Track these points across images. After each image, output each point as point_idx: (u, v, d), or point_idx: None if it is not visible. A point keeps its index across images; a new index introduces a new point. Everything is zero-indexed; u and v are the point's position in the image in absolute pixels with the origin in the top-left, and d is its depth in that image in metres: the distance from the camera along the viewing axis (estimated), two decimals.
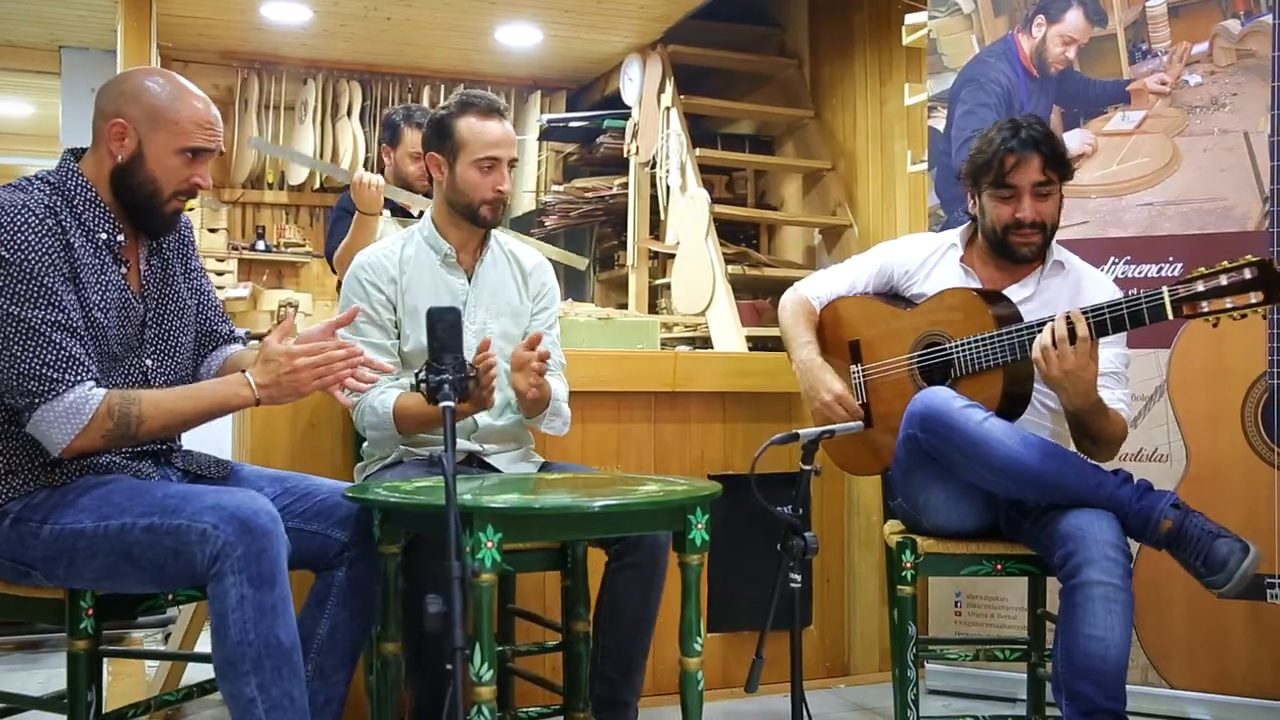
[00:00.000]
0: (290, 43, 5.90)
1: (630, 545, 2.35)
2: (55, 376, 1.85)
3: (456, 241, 2.52)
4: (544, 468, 2.57)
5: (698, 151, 5.44)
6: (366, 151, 6.21)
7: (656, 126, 5.62)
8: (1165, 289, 2.12)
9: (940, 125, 3.24)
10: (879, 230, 5.29)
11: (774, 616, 2.11)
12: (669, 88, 5.59)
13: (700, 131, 5.74)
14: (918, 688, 2.42)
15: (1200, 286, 2.09)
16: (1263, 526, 2.78)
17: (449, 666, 1.55)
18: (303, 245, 6.41)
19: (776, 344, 5.05)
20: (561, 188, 6.24)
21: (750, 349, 4.83)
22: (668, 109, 5.58)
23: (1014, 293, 2.49)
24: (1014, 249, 2.46)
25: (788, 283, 5.54)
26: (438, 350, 1.80)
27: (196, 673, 3.18)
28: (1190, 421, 2.88)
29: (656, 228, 5.84)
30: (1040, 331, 2.24)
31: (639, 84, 5.78)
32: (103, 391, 1.90)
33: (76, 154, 2.04)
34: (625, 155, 5.88)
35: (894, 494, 2.54)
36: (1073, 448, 2.41)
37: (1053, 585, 2.72)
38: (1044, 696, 2.75)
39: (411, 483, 2.09)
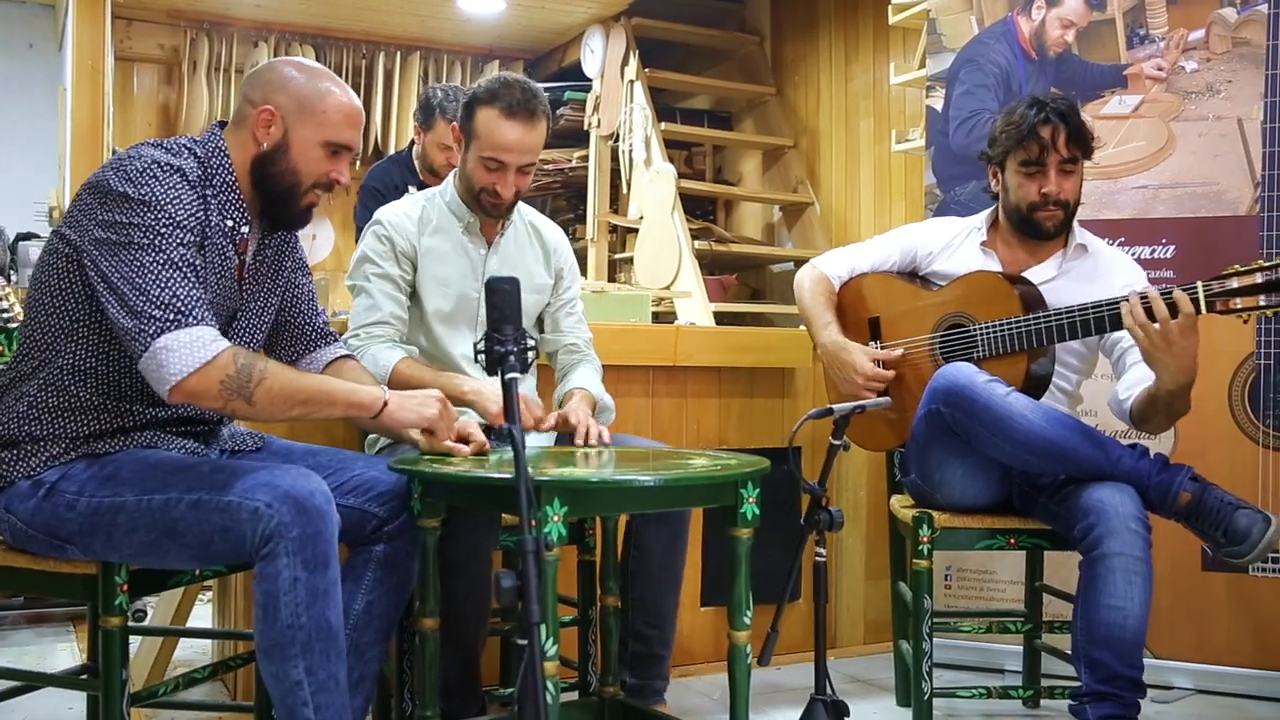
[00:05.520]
0: (241, 3, 5.71)
1: None
2: (184, 309, 1.78)
3: (476, 213, 2.48)
4: (560, 439, 2.55)
5: (662, 125, 5.42)
6: None
7: (619, 99, 5.58)
8: (1200, 284, 2.16)
9: (938, 105, 3.27)
10: (841, 208, 5.33)
11: (775, 590, 2.14)
12: (633, 60, 5.55)
13: (658, 105, 5.71)
14: (931, 659, 2.46)
15: (1235, 284, 2.13)
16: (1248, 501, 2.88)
17: (521, 641, 1.54)
18: None
19: (735, 319, 5.12)
20: None
21: (716, 325, 4.83)
22: (631, 82, 5.54)
23: (1036, 274, 2.53)
24: (1038, 224, 2.50)
25: (751, 259, 5.68)
26: (497, 321, 1.76)
27: (186, 650, 3.13)
28: None
29: (615, 201, 5.81)
30: (1092, 314, 2.28)
31: (601, 56, 5.73)
32: (227, 341, 1.83)
33: (224, 125, 2.00)
34: (586, 128, 5.83)
35: (907, 470, 2.57)
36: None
37: (1050, 559, 2.80)
38: (1039, 667, 2.82)
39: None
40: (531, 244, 2.57)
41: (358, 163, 6.32)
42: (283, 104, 1.96)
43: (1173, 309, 2.17)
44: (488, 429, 2.09)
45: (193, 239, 1.85)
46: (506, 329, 1.75)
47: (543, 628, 1.69)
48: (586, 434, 2.26)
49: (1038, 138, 2.44)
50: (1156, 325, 2.18)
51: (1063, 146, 2.44)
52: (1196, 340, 2.18)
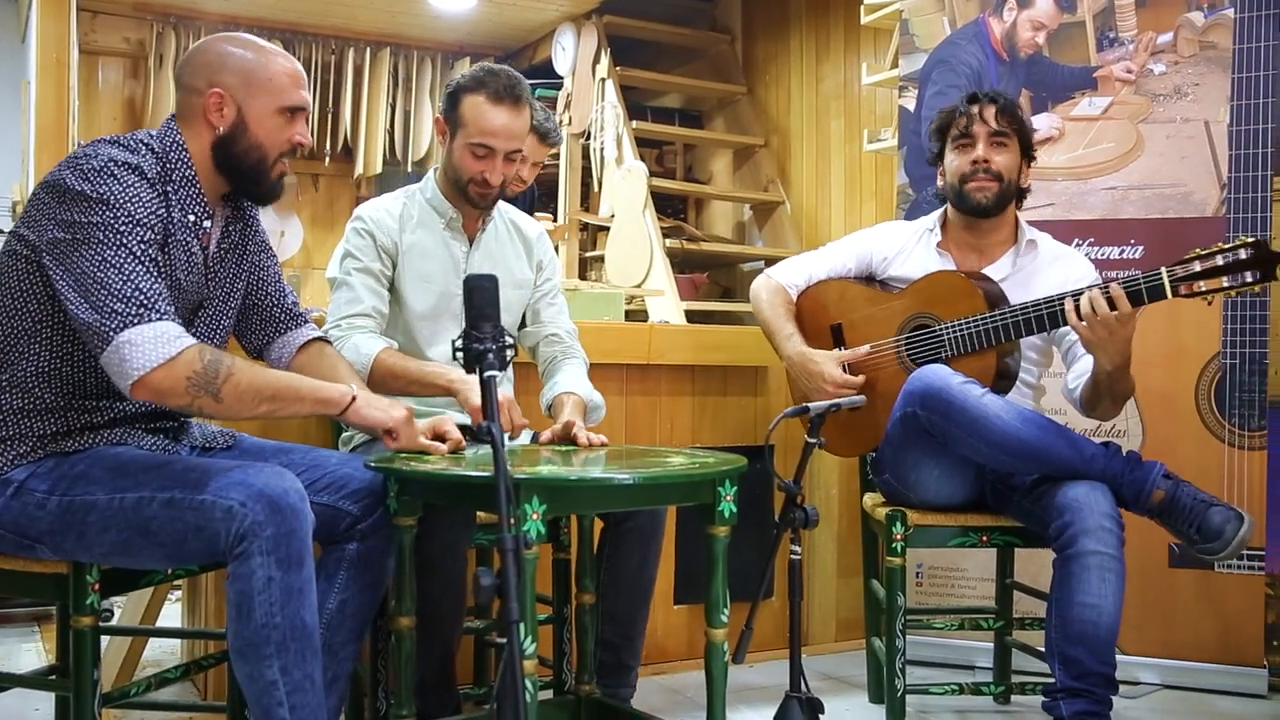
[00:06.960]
0: None
1: (632, 512, 2.34)
2: (147, 302, 1.76)
3: (459, 208, 2.47)
4: (535, 439, 2.54)
5: (633, 124, 5.42)
6: None
7: (590, 97, 5.57)
8: (1164, 269, 2.21)
9: (911, 105, 3.29)
10: (812, 207, 5.35)
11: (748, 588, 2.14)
12: (604, 59, 5.54)
13: (629, 104, 5.70)
14: (904, 656, 2.47)
15: (1197, 267, 2.18)
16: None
17: (500, 639, 1.53)
18: None
19: (706, 317, 5.13)
20: None
21: (688, 323, 4.84)
22: (603, 80, 5.54)
23: (990, 273, 2.56)
24: (970, 197, 2.55)
25: (722, 258, 5.69)
26: (475, 318, 1.75)
27: (154, 650, 3.10)
28: (1147, 399, 3.00)
29: (586, 199, 5.80)
30: (1059, 305, 2.31)
31: (572, 54, 5.72)
32: (192, 338, 1.81)
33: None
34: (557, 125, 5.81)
35: (880, 470, 2.58)
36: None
37: (1019, 555, 2.82)
38: (1010, 663, 2.84)
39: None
40: (512, 240, 2.57)
41: (328, 158, 6.32)
42: (229, 83, 1.93)
43: (1111, 304, 2.24)
44: (464, 429, 2.07)
45: (154, 236, 1.83)
46: (485, 327, 1.74)
47: (522, 626, 1.69)
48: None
49: (966, 111, 2.55)
50: (1099, 318, 2.25)
51: (991, 118, 2.53)
52: (1133, 328, 2.28)
